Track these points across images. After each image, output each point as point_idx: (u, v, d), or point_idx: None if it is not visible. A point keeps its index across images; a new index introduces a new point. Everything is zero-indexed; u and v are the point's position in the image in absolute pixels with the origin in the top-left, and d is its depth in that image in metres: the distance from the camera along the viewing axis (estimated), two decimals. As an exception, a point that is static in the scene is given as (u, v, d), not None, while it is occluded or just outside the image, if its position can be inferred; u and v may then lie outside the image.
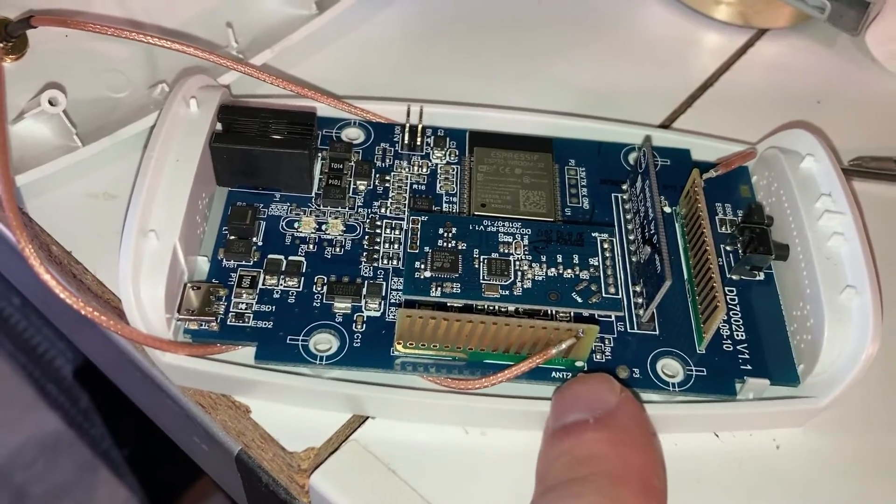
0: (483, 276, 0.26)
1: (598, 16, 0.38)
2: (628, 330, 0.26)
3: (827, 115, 0.34)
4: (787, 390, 0.26)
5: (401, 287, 0.26)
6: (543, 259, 0.26)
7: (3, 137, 0.25)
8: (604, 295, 0.26)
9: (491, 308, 0.25)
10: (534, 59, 0.36)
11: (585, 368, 0.25)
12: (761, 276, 0.28)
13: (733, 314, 0.27)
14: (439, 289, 0.26)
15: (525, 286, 0.26)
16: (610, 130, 0.31)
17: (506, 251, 0.26)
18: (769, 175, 0.30)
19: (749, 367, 0.26)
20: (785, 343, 0.27)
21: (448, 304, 0.25)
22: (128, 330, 0.24)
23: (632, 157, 0.31)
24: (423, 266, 0.26)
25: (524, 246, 0.27)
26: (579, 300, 0.26)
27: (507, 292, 0.26)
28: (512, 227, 0.27)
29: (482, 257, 0.26)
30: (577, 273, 0.26)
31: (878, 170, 0.33)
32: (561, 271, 0.26)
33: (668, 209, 0.29)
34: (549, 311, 0.26)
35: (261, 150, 0.27)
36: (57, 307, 0.31)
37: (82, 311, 0.23)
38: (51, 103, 0.28)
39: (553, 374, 0.25)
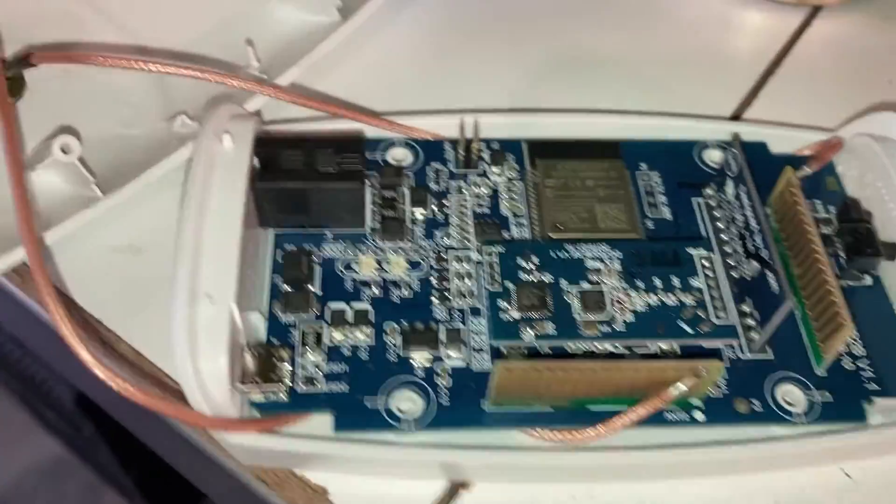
0: (577, 312, 0.23)
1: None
2: (739, 356, 0.24)
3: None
4: (916, 408, 0.24)
5: (483, 330, 0.23)
6: (640, 285, 0.24)
7: (25, 201, 0.21)
8: (714, 322, 0.23)
9: (591, 348, 0.23)
10: (574, 53, 0.33)
11: (703, 408, 0.23)
12: (869, 281, 0.26)
13: (847, 326, 0.24)
14: (530, 331, 0.23)
15: (626, 319, 0.23)
16: (678, 126, 0.29)
17: (597, 279, 0.24)
18: (860, 165, 0.27)
19: (875, 387, 0.23)
20: (908, 354, 0.24)
21: (541, 348, 0.23)
22: (192, 415, 0.21)
23: (708, 156, 0.28)
24: (508, 306, 0.23)
25: (617, 272, 0.24)
26: (688, 330, 0.23)
27: (608, 328, 0.23)
28: (598, 249, 0.24)
29: (572, 289, 0.23)
30: (680, 298, 0.23)
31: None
32: (662, 298, 0.23)
33: (755, 212, 0.26)
34: (655, 345, 0.23)
35: (310, 185, 0.24)
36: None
37: (142, 402, 0.20)
38: (63, 151, 0.25)
39: (667, 415, 0.23)
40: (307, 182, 0.24)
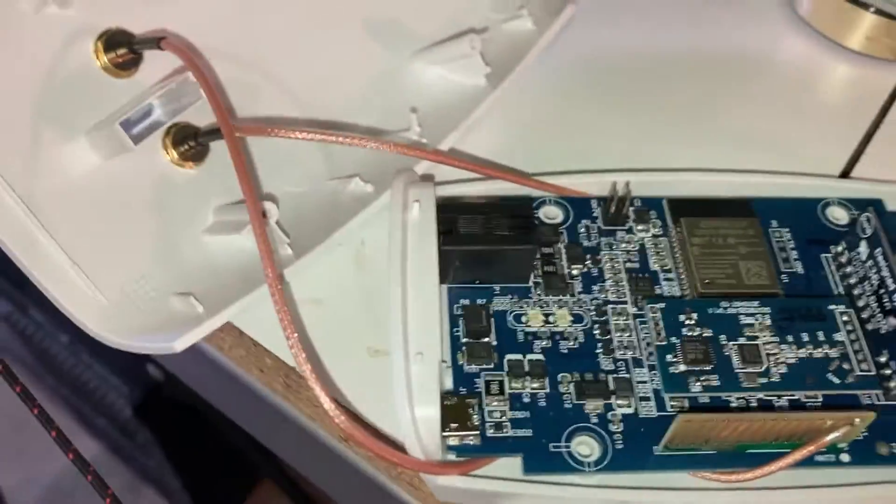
0: (738, 365, 0.26)
1: (732, 54, 0.37)
2: (875, 402, 0.26)
3: None
4: None
5: (646, 379, 0.26)
6: (790, 339, 0.26)
7: (268, 250, 0.24)
8: (858, 373, 0.26)
9: (749, 399, 0.25)
10: (684, 112, 0.35)
11: (847, 448, 0.25)
12: None
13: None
14: (697, 383, 0.25)
15: (781, 371, 0.26)
16: (797, 185, 0.31)
17: (751, 334, 0.26)
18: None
19: None
20: None
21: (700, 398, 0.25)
22: (409, 460, 0.23)
23: (831, 213, 0.30)
24: (675, 359, 0.26)
25: (767, 326, 0.26)
26: (836, 381, 0.26)
27: (765, 379, 0.26)
28: (750, 306, 0.27)
29: (730, 343, 0.26)
30: (826, 352, 0.26)
31: None
32: (811, 351, 0.26)
33: (879, 266, 0.29)
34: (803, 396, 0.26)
35: (490, 248, 0.27)
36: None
37: (366, 445, 0.23)
38: (263, 215, 0.27)
39: (817, 457, 0.25)
40: (487, 245, 0.27)
